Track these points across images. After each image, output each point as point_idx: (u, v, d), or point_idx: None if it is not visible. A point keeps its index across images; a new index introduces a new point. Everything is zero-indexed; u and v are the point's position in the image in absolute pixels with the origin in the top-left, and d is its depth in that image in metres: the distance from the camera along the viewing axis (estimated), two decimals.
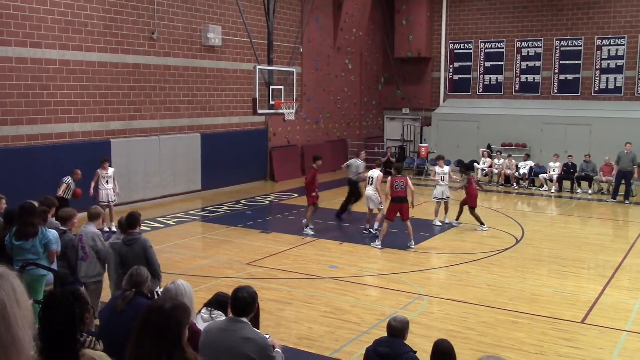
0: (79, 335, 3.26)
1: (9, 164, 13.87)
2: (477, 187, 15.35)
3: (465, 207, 15.05)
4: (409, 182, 13.08)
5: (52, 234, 7.76)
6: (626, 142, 19.21)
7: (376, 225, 14.08)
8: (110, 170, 14.31)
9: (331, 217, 15.67)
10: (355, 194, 16.06)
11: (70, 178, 13.18)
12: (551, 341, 8.18)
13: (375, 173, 14.17)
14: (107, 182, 14.17)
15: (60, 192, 12.80)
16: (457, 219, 15.39)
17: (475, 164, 22.42)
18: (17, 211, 7.77)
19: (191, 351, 3.41)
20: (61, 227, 8.21)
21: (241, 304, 4.58)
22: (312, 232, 14.27)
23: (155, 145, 17.75)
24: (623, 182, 18.96)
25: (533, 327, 8.70)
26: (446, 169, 15.54)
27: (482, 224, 14.91)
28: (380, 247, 12.91)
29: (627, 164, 18.82)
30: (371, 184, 14.10)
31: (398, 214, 12.96)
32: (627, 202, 18.75)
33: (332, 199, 17.27)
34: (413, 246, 12.97)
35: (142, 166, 17.32)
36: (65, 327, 3.21)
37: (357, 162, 16.03)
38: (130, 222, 7.52)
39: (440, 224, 15.44)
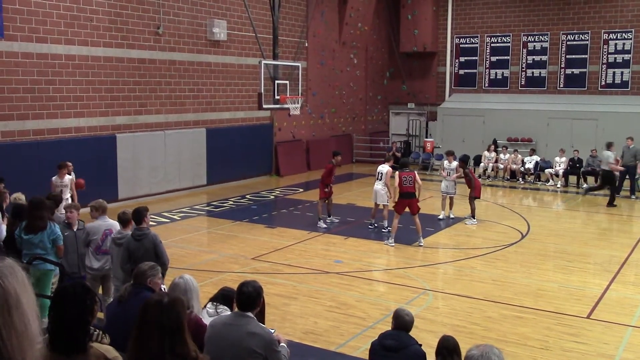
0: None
1: (16, 158, 13.92)
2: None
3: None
4: (417, 176, 13.04)
5: (59, 229, 7.82)
6: (627, 137, 19.12)
7: (385, 223, 14.08)
8: (67, 179, 12.32)
9: (338, 212, 15.62)
10: (608, 181, 17.66)
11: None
12: (556, 336, 8.18)
13: (385, 168, 14.14)
14: (61, 191, 11.64)
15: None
16: (473, 217, 15.23)
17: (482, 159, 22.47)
18: (27, 205, 7.86)
19: (192, 344, 3.46)
20: (64, 221, 8.25)
21: (246, 298, 4.59)
22: (325, 226, 14.35)
23: (161, 140, 17.78)
24: (627, 177, 18.89)
25: (538, 322, 8.70)
26: (454, 164, 15.51)
27: (473, 217, 14.99)
28: (393, 244, 12.86)
29: (629, 159, 18.77)
30: (380, 179, 14.09)
31: (407, 209, 12.92)
32: (632, 197, 18.69)
33: (336, 194, 17.25)
34: (422, 243, 12.94)
35: (147, 161, 17.36)
36: (77, 320, 3.24)
37: (608, 153, 17.74)
38: (136, 218, 7.54)
39: (442, 217, 15.49)
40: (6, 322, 1.68)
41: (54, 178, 12.28)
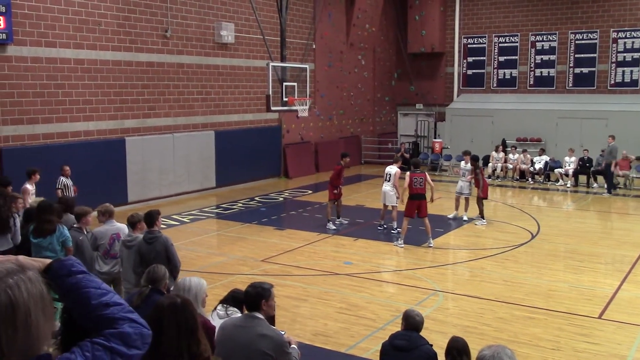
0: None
1: (26, 162, 13.95)
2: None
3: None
4: (428, 177, 12.97)
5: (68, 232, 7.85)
6: (609, 135, 19.71)
7: (395, 224, 14.04)
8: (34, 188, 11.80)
9: (347, 213, 15.60)
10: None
11: (61, 177, 12.64)
12: (568, 337, 8.13)
13: (393, 169, 14.08)
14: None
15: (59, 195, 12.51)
16: (482, 217, 15.17)
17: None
18: (35, 209, 7.89)
19: (205, 342, 3.49)
20: (75, 225, 8.27)
21: (248, 299, 4.62)
22: (334, 227, 14.36)
23: (170, 143, 17.83)
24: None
25: (549, 322, 8.65)
26: (470, 165, 15.39)
27: (482, 217, 14.97)
28: (402, 246, 12.82)
29: (607, 157, 19.30)
30: (388, 181, 14.05)
31: (417, 211, 12.86)
32: (607, 194, 19.10)
33: (345, 196, 17.24)
34: (432, 244, 12.87)
35: (156, 164, 17.41)
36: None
37: None
38: (148, 221, 7.56)
39: (452, 217, 15.42)
40: (9, 338, 1.61)
41: (28, 185, 11.70)
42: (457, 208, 15.58)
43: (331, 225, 14.46)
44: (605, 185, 19.75)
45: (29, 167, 12.09)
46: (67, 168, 12.76)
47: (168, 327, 3.36)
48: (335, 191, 14.49)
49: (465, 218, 15.38)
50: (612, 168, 19.09)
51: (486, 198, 15.19)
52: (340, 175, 14.50)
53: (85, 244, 8.05)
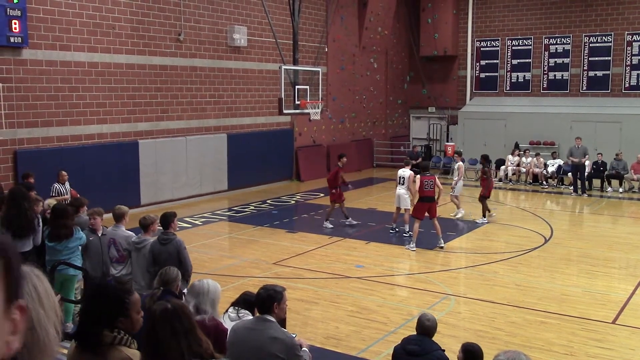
0: (115, 332, 3.30)
1: (40, 165, 14.09)
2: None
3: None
4: (437, 180, 13.04)
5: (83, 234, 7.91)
6: (576, 137, 20.02)
7: (406, 227, 14.03)
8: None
9: (359, 216, 15.57)
10: None
11: (55, 185, 12.38)
12: (581, 342, 8.07)
13: (407, 172, 14.11)
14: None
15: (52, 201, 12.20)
16: (484, 216, 15.46)
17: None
18: (50, 213, 7.95)
19: (206, 340, 3.52)
20: (89, 227, 8.32)
21: (260, 301, 4.64)
22: (331, 226, 14.64)
23: (182, 146, 17.91)
24: (578, 175, 19.64)
25: (562, 327, 8.59)
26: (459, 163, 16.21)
27: (483, 216, 15.34)
28: (414, 249, 12.82)
29: (579, 157, 19.50)
30: (402, 184, 14.06)
31: (426, 213, 12.91)
32: (584, 195, 19.28)
33: (357, 199, 17.27)
34: (443, 245, 12.89)
35: (169, 167, 17.49)
36: (104, 318, 3.26)
37: None
38: (163, 222, 7.61)
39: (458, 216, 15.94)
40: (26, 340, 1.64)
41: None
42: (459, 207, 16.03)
43: (328, 224, 14.67)
44: (612, 187, 19.74)
45: (25, 171, 12.04)
46: (64, 173, 12.41)
47: (164, 335, 3.38)
48: (334, 191, 14.57)
49: (459, 215, 15.88)
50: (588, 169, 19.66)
51: (488, 197, 15.37)
52: (336, 177, 14.56)
53: (95, 245, 8.09)
